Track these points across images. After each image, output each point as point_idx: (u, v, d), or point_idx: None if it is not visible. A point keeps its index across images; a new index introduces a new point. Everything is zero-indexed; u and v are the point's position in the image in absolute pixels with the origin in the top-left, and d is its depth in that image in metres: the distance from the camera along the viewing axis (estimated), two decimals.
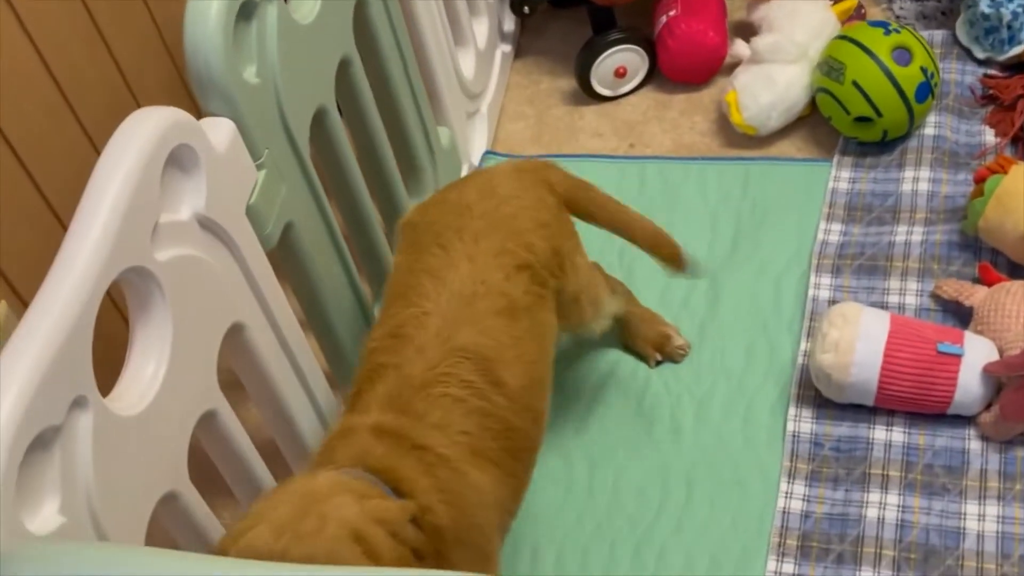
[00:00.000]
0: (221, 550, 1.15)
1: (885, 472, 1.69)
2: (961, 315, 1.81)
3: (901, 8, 2.28)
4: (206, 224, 1.29)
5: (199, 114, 1.97)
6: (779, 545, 1.66)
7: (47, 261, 1.51)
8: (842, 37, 2.04)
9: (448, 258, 1.46)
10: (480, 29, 2.18)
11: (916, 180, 1.99)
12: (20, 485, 1.02)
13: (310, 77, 1.50)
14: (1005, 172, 1.81)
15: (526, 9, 2.30)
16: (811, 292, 1.90)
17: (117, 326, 1.49)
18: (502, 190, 1.55)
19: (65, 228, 1.56)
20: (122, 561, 0.95)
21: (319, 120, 1.54)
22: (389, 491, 1.25)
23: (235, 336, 1.37)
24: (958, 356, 1.67)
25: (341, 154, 1.62)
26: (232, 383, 1.40)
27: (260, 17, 1.38)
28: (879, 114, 1.98)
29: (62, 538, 1.05)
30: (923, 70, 1.97)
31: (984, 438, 1.69)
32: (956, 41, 2.19)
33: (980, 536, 1.61)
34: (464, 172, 2.10)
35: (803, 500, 1.70)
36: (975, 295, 1.78)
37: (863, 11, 2.23)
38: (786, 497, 1.70)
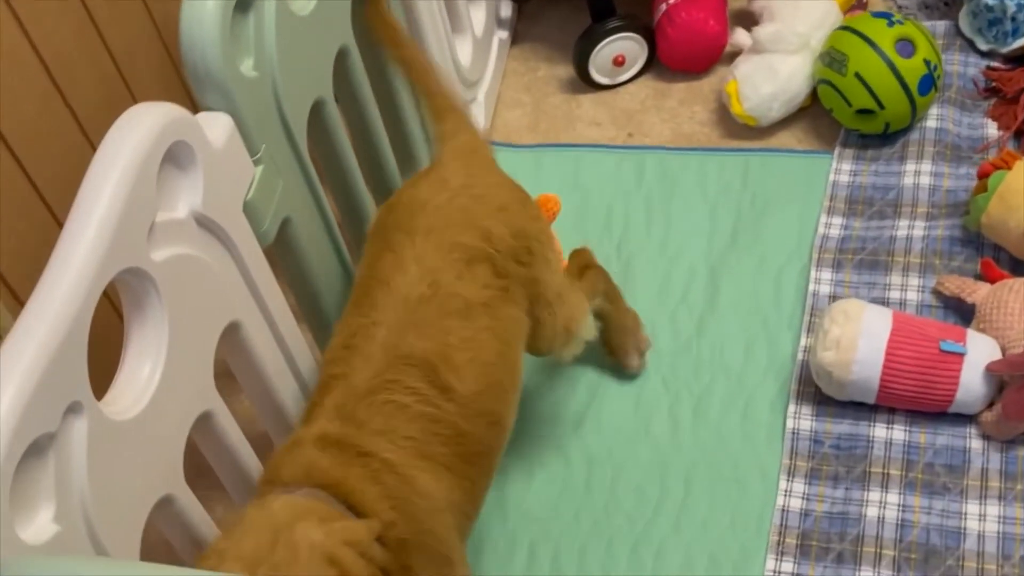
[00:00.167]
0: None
1: (886, 471, 1.67)
2: (963, 312, 1.79)
3: None
4: (203, 222, 1.26)
5: (193, 106, 1.95)
6: (778, 544, 1.64)
7: (40, 255, 1.48)
8: (844, 28, 2.01)
9: (397, 262, 1.43)
10: (477, 16, 2.15)
11: (918, 174, 1.97)
12: (14, 494, 1.00)
13: (308, 69, 1.48)
14: (1009, 168, 1.79)
15: None
16: (811, 287, 1.88)
17: (109, 317, 1.47)
18: (454, 181, 1.52)
19: (59, 221, 1.54)
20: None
21: (316, 112, 1.51)
22: (342, 507, 1.25)
23: (231, 334, 1.35)
24: (961, 355, 1.66)
25: (338, 146, 1.59)
26: (222, 372, 1.37)
27: (257, 9, 1.35)
28: (881, 106, 1.96)
29: (57, 548, 1.03)
30: (926, 62, 1.95)
31: (985, 437, 1.68)
32: (958, 32, 2.16)
33: (981, 536, 1.60)
34: None
35: (803, 498, 1.68)
36: (977, 292, 1.76)
37: (865, 1, 2.21)
38: (785, 495, 1.69)
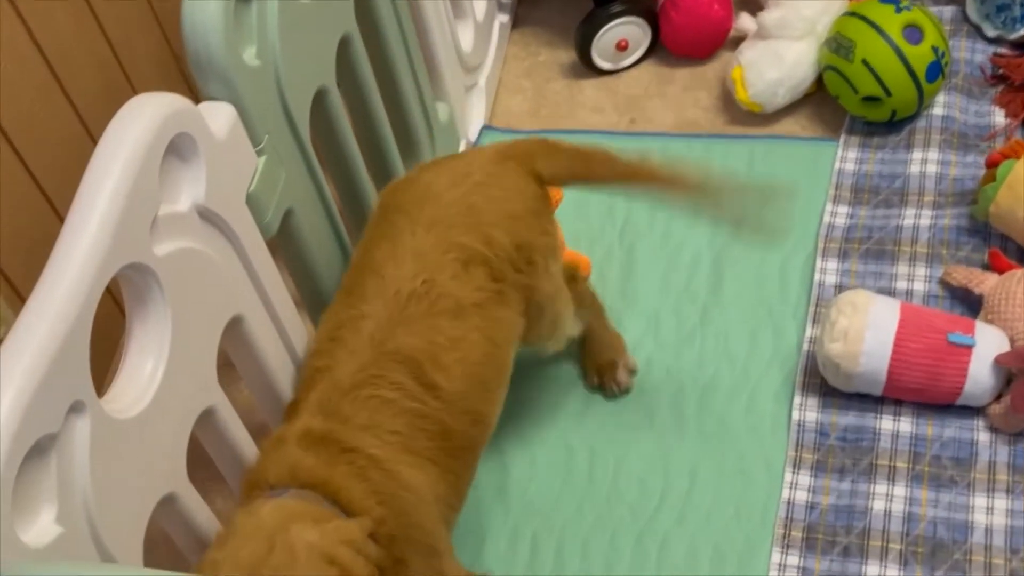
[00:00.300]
0: None
1: (892, 463, 1.66)
2: (970, 302, 1.77)
3: None
4: (206, 215, 1.24)
5: (192, 94, 1.93)
6: (784, 537, 1.63)
7: (39, 246, 1.46)
8: (851, 13, 1.99)
9: (394, 252, 1.40)
10: (479, 0, 2.12)
11: (924, 162, 1.95)
12: (15, 496, 0.98)
13: (311, 57, 1.45)
14: (1018, 157, 1.77)
15: None
16: (817, 276, 1.86)
17: (109, 309, 1.44)
18: (476, 176, 1.49)
19: (57, 212, 1.52)
20: None
21: (319, 101, 1.49)
22: (331, 506, 1.24)
23: (234, 328, 1.32)
24: (969, 347, 1.64)
25: (341, 136, 1.56)
26: (220, 362, 1.35)
27: None
28: (888, 94, 1.94)
29: (59, 550, 1.01)
30: (934, 49, 1.93)
31: (993, 430, 1.66)
32: (965, 18, 2.14)
33: (988, 530, 1.58)
34: (462, 148, 2.05)
35: (808, 491, 1.67)
36: (985, 283, 1.74)
37: None
38: (791, 488, 1.67)
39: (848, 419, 1.71)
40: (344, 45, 1.55)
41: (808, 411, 1.73)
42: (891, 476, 1.65)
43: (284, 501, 1.20)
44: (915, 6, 1.96)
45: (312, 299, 1.54)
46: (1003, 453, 1.64)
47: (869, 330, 1.65)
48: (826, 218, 1.93)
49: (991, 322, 1.69)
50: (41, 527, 1.01)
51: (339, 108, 1.54)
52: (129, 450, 1.12)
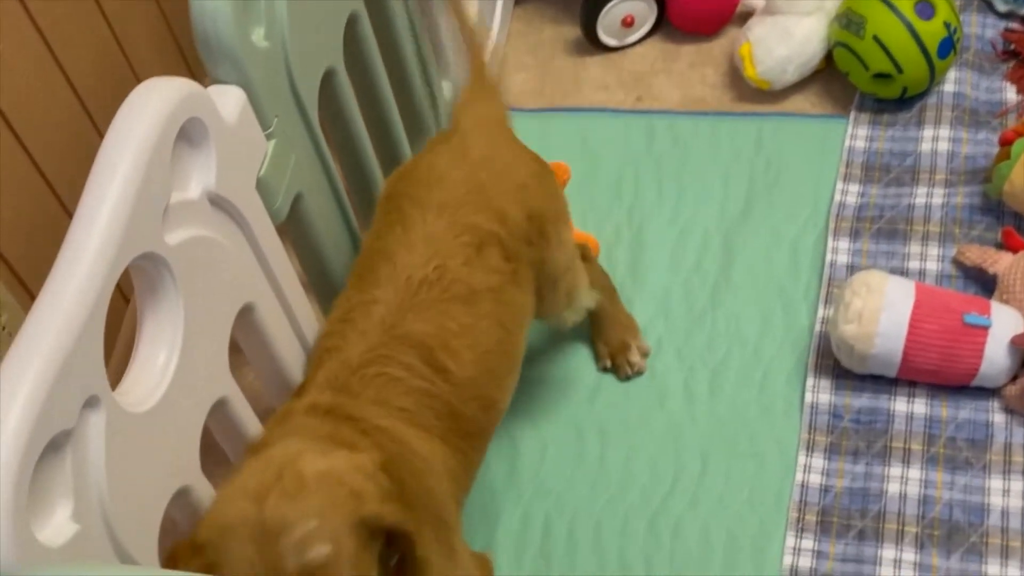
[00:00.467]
0: (193, 538, 1.09)
1: (907, 445, 1.64)
2: (983, 282, 1.76)
3: None
4: (216, 201, 1.21)
5: (191, 74, 1.90)
6: (798, 520, 1.61)
7: (39, 228, 1.44)
8: None
9: (406, 239, 1.39)
10: None
11: (936, 139, 1.93)
12: (30, 494, 0.95)
13: (319, 37, 1.42)
14: None
15: None
16: (829, 257, 1.84)
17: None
18: (475, 152, 1.48)
19: (56, 195, 1.49)
20: None
21: (327, 82, 1.46)
22: None
23: (245, 316, 1.30)
24: (985, 328, 1.62)
25: (349, 117, 1.53)
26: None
27: None
28: (900, 70, 1.91)
29: (75, 548, 0.98)
30: (946, 25, 1.90)
31: (1009, 411, 1.65)
32: None
33: (1005, 512, 1.57)
34: None
35: (822, 474, 1.65)
36: (999, 262, 1.72)
37: None
38: (805, 471, 1.66)
39: (862, 401, 1.69)
40: (351, 24, 1.52)
41: (821, 393, 1.71)
42: (906, 458, 1.63)
43: (291, 440, 1.18)
44: None
45: (320, 284, 1.52)
46: (1019, 434, 1.63)
47: (884, 311, 1.63)
48: (837, 197, 1.91)
49: (1006, 302, 1.68)
50: (57, 524, 0.99)
51: (347, 89, 1.51)
52: (144, 444, 1.09)
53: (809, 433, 1.68)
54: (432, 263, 1.37)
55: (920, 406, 1.67)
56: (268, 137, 1.30)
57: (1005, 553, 1.54)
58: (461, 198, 1.42)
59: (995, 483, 1.60)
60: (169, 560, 1.10)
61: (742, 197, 1.95)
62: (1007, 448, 1.62)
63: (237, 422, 1.29)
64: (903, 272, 1.80)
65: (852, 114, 2.01)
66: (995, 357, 1.63)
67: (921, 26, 1.89)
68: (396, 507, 1.14)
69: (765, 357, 1.78)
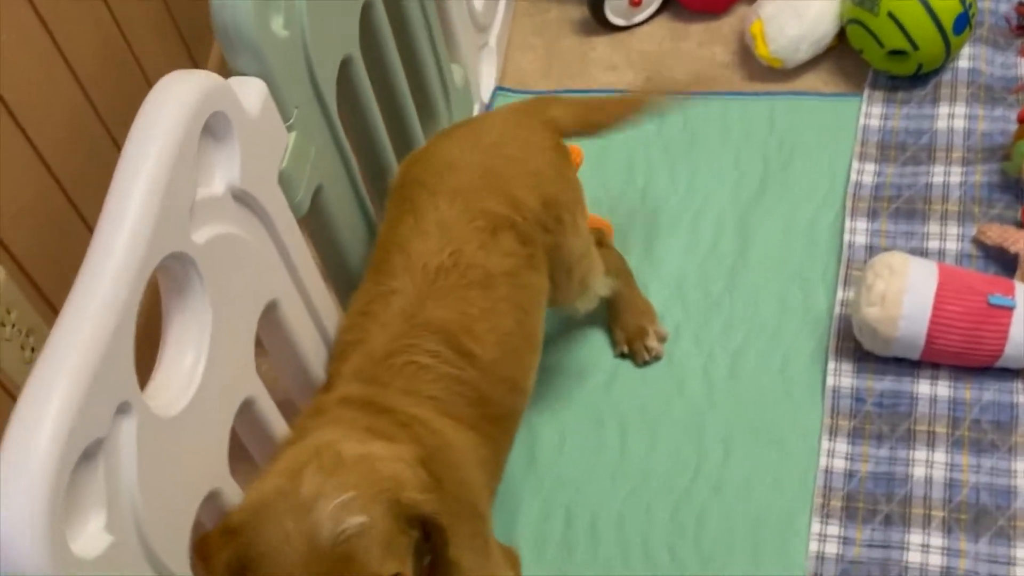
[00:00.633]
0: (225, 523, 1.09)
1: (931, 428, 1.63)
2: (1004, 262, 1.74)
3: None
4: (240, 196, 1.18)
5: (192, 61, 1.86)
6: (823, 506, 1.60)
7: (42, 218, 1.40)
8: None
9: (418, 227, 1.37)
10: None
11: (951, 117, 1.91)
12: (65, 506, 0.92)
13: (337, 25, 1.38)
14: None
15: None
16: (847, 237, 1.82)
17: None
18: (489, 138, 1.46)
19: (61, 185, 1.45)
20: None
21: (343, 70, 1.42)
22: None
23: (268, 313, 1.27)
24: (1010, 308, 1.60)
25: (365, 106, 1.50)
26: None
27: None
28: (915, 47, 1.88)
29: (110, 559, 0.95)
30: (961, 0, 1.87)
31: None
32: None
33: None
34: (476, 111, 1.98)
35: (846, 459, 1.63)
36: (1021, 241, 1.71)
37: None
38: (828, 456, 1.64)
39: (884, 384, 1.67)
40: (366, 10, 1.48)
41: (843, 376, 1.69)
42: (930, 442, 1.62)
43: (329, 428, 1.18)
44: None
45: (340, 276, 1.49)
46: None
47: (907, 293, 1.61)
48: (853, 176, 1.88)
49: None
50: (91, 536, 0.96)
51: (364, 77, 1.48)
52: (174, 449, 1.06)
53: (832, 417, 1.66)
54: (447, 249, 1.36)
55: (943, 388, 1.65)
56: (289, 129, 1.27)
57: None
58: (474, 184, 1.41)
59: (1021, 465, 1.58)
60: (199, 549, 1.09)
61: (756, 178, 1.93)
62: None
63: (263, 421, 1.26)
64: (922, 252, 1.78)
65: (866, 92, 1.98)
66: (1019, 338, 1.61)
67: (936, 2, 1.86)
68: (434, 498, 1.12)
69: (784, 340, 1.76)
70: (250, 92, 1.19)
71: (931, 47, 1.89)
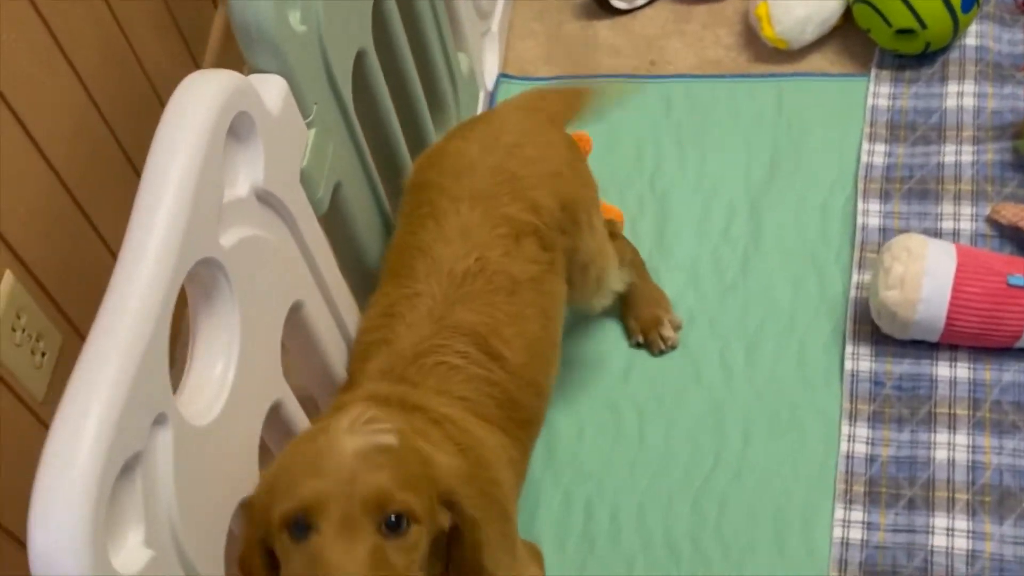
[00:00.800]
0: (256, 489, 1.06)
1: (952, 411, 1.62)
2: (1019, 241, 1.73)
3: None
4: (263, 197, 1.15)
5: (191, 55, 1.83)
6: (845, 492, 1.59)
7: (49, 223, 1.38)
8: None
9: (440, 232, 1.36)
10: None
11: (960, 95, 1.89)
12: (105, 522, 0.90)
13: (351, 18, 1.35)
14: None
15: None
16: (860, 220, 1.80)
17: None
18: (507, 138, 1.44)
19: (66, 186, 1.43)
20: None
21: (358, 64, 1.39)
22: None
23: (293, 315, 1.24)
24: None
25: (379, 100, 1.47)
26: None
27: None
28: (923, 26, 1.87)
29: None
30: None
31: None
32: None
33: None
34: (481, 100, 1.96)
35: (867, 443, 1.62)
36: None
37: None
38: (849, 440, 1.63)
39: (903, 367, 1.66)
40: (378, 2, 1.45)
41: (861, 360, 1.68)
42: (952, 424, 1.61)
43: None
44: None
45: (356, 274, 1.46)
46: None
47: (926, 276, 1.60)
48: (864, 158, 1.87)
49: None
50: (130, 551, 0.93)
51: (377, 71, 1.45)
52: (208, 458, 1.04)
53: (851, 402, 1.65)
54: (472, 255, 1.35)
55: (963, 370, 1.65)
56: (308, 126, 1.25)
57: None
58: (494, 188, 1.39)
59: None
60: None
61: (766, 161, 1.91)
62: None
63: (291, 425, 1.24)
64: (936, 233, 1.76)
65: (873, 72, 1.97)
66: None
67: None
68: (472, 492, 1.10)
69: (800, 325, 1.75)
70: (271, 90, 1.16)
71: (939, 25, 1.87)
